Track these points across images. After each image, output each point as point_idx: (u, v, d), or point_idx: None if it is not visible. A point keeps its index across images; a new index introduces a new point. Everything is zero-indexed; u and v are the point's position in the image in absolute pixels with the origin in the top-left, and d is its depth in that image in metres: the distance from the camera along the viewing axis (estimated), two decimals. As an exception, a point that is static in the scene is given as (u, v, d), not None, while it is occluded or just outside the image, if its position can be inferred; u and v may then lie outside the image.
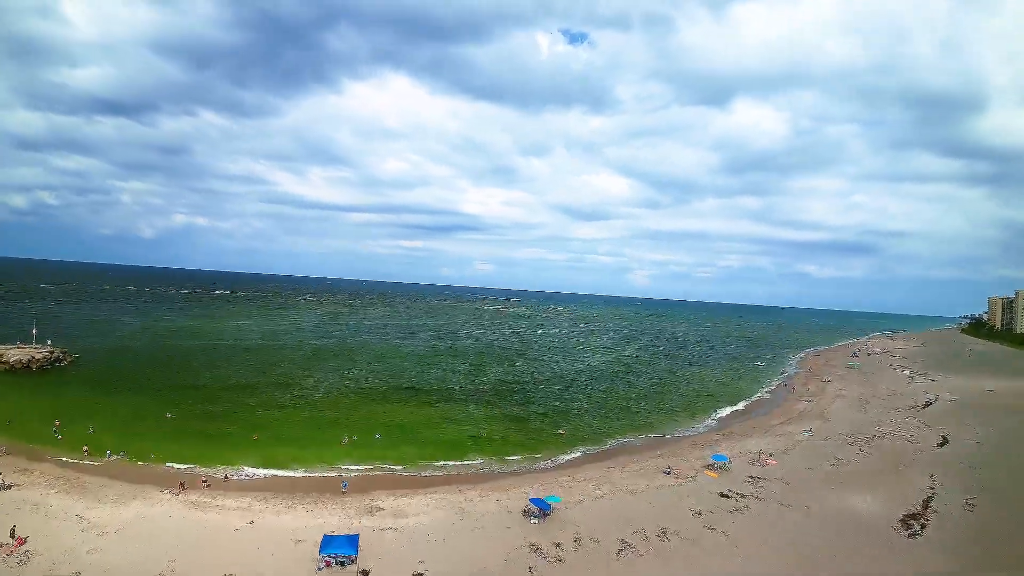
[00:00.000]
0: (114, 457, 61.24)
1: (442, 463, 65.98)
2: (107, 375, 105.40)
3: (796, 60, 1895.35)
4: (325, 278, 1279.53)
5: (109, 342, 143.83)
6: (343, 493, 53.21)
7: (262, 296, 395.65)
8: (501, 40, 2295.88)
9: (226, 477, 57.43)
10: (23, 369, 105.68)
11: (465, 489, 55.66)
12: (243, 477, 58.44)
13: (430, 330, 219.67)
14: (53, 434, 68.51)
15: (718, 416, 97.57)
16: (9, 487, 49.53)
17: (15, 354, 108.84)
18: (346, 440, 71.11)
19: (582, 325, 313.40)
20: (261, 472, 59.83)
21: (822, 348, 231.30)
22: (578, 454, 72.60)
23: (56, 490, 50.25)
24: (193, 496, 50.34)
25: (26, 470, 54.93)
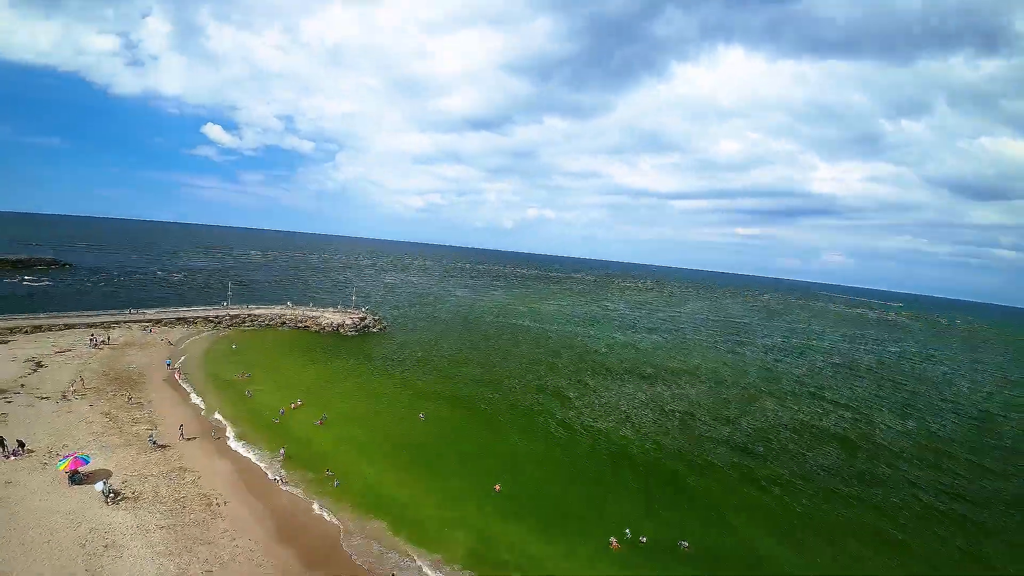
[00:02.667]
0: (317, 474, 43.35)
1: None
2: (395, 348, 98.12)
3: None
4: (652, 265, 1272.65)
5: (426, 312, 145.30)
6: None
7: (586, 281, 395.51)
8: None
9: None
10: (331, 332, 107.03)
11: None
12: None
13: (769, 337, 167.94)
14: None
15: None
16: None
17: (329, 317, 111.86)
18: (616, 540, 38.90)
19: None
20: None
21: None
22: None
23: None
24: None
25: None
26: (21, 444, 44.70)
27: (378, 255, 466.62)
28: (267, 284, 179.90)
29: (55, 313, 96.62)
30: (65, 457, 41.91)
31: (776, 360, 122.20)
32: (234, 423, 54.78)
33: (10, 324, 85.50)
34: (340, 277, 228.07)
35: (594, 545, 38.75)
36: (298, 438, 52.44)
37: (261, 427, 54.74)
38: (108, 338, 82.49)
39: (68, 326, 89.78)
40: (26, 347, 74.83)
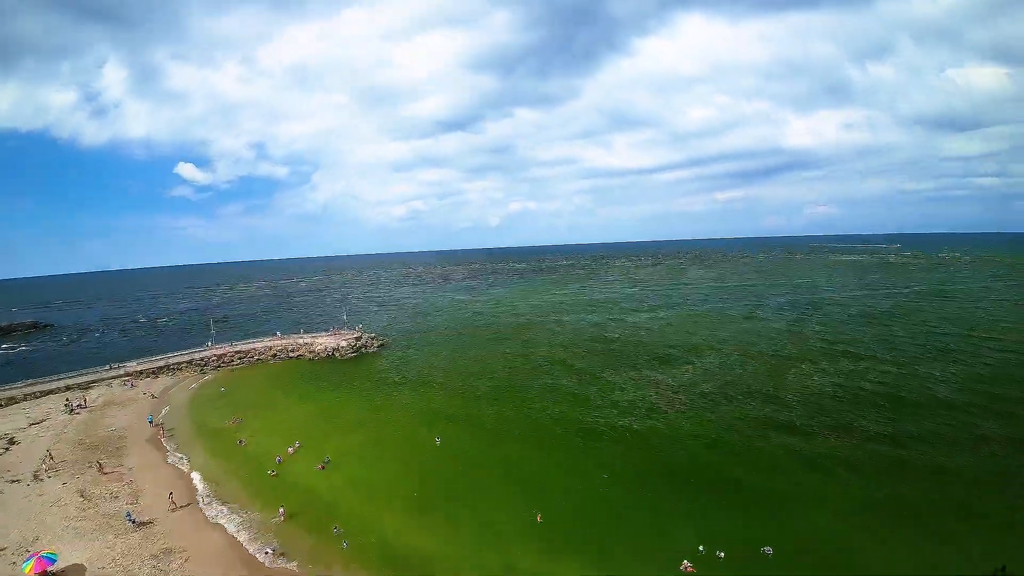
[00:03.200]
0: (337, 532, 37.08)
1: None
2: (396, 367, 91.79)
3: None
4: (641, 242, 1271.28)
5: (425, 323, 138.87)
6: None
7: (579, 266, 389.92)
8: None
9: None
10: (326, 358, 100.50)
11: None
12: None
13: (777, 296, 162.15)
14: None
15: None
16: None
17: (323, 342, 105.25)
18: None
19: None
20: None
21: None
22: None
23: None
24: None
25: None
26: (-20, 546, 38.30)
27: (366, 270, 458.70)
28: (254, 317, 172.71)
29: (32, 380, 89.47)
30: (29, 558, 35.62)
31: (795, 321, 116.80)
32: (224, 482, 48.39)
33: None
34: (329, 299, 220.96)
35: (668, 571, 32.90)
36: (299, 489, 46.19)
37: (256, 482, 48.40)
38: (84, 401, 75.61)
39: (44, 392, 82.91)
40: None
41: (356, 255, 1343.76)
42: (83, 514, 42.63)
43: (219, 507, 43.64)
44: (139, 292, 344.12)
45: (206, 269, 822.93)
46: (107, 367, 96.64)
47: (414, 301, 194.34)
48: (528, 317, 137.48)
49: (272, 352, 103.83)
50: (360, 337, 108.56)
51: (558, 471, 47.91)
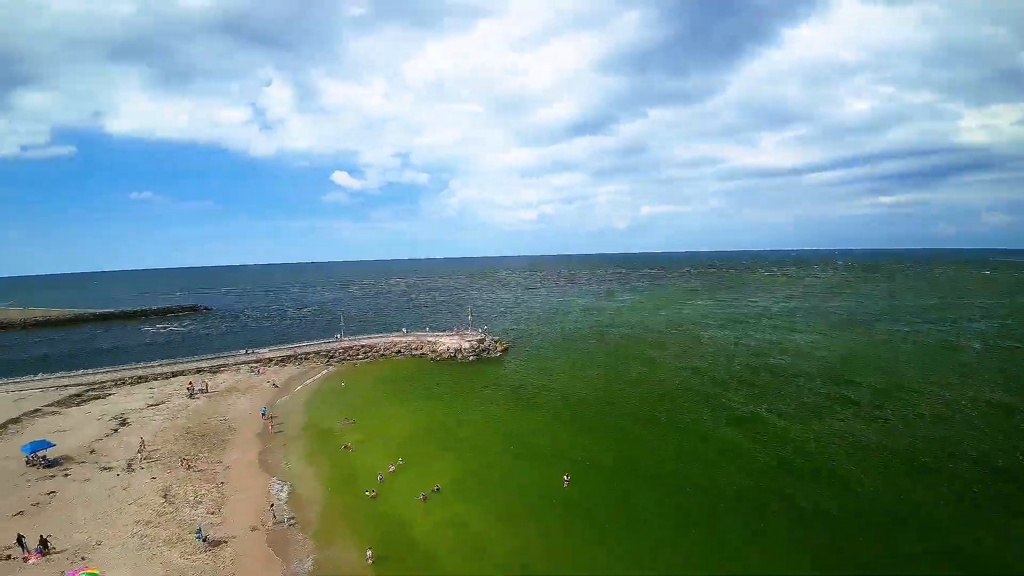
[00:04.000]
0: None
1: None
2: (519, 376, 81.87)
3: None
4: (788, 250, 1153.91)
5: (550, 329, 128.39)
6: None
7: (718, 273, 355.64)
8: None
9: None
10: (448, 359, 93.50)
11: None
12: None
13: (983, 320, 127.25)
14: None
15: None
16: None
17: (446, 343, 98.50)
18: None
19: None
20: None
21: None
22: None
23: None
24: None
25: None
26: (44, 542, 33.76)
27: (494, 272, 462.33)
28: (386, 312, 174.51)
29: (167, 360, 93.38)
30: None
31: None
32: (315, 500, 40.88)
33: (116, 375, 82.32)
34: (457, 299, 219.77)
35: None
36: (393, 522, 37.09)
37: (350, 503, 40.32)
38: (207, 386, 74.91)
39: (175, 373, 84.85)
40: (121, 401, 68.92)
41: (488, 257, 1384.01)
42: (158, 519, 37.13)
43: (300, 535, 35.78)
44: (296, 284, 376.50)
45: (356, 266, 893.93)
46: (242, 351, 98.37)
47: (540, 305, 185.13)
48: (661, 330, 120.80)
49: (396, 348, 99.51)
50: (483, 340, 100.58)
51: (743, 530, 33.75)
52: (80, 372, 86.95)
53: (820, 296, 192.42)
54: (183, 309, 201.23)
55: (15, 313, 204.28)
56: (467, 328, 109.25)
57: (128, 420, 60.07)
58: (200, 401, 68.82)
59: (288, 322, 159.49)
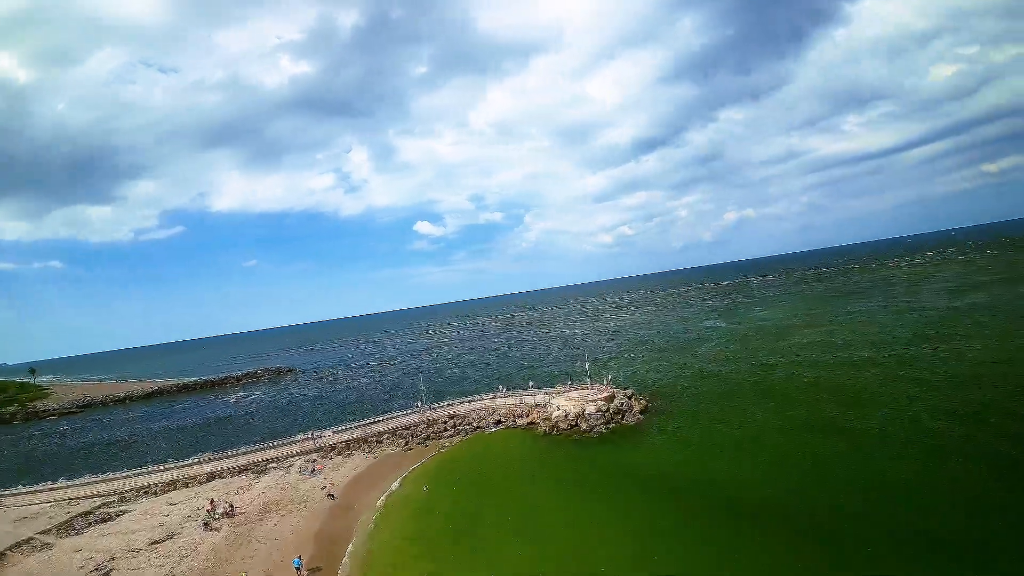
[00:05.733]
0: None
1: None
2: (678, 457, 52.95)
3: None
4: (901, 237, 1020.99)
5: (685, 365, 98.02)
6: None
7: (831, 275, 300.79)
8: None
9: None
10: (567, 430, 65.97)
11: None
12: None
13: None
14: None
15: None
16: None
17: (562, 405, 70.81)
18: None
19: None
20: None
21: None
22: None
23: None
24: None
25: None
26: None
27: (583, 299, 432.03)
28: (474, 361, 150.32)
29: (207, 455, 73.16)
30: None
31: None
32: None
33: (144, 480, 63.38)
34: (554, 334, 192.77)
35: None
36: None
37: None
38: (232, 508, 51.81)
39: (212, 475, 64.05)
40: (125, 527, 48.17)
41: (570, 286, 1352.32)
42: None
43: None
44: (381, 332, 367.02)
45: (438, 309, 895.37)
46: (301, 436, 76.55)
47: (656, 333, 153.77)
48: (842, 363, 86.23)
49: (495, 417, 73.69)
50: (612, 396, 72.39)
51: None
52: (106, 476, 69.89)
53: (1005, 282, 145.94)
54: (268, 372, 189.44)
55: (105, 387, 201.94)
56: (584, 379, 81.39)
57: (113, 570, 37.94)
58: (218, 536, 45.70)
59: (365, 380, 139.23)
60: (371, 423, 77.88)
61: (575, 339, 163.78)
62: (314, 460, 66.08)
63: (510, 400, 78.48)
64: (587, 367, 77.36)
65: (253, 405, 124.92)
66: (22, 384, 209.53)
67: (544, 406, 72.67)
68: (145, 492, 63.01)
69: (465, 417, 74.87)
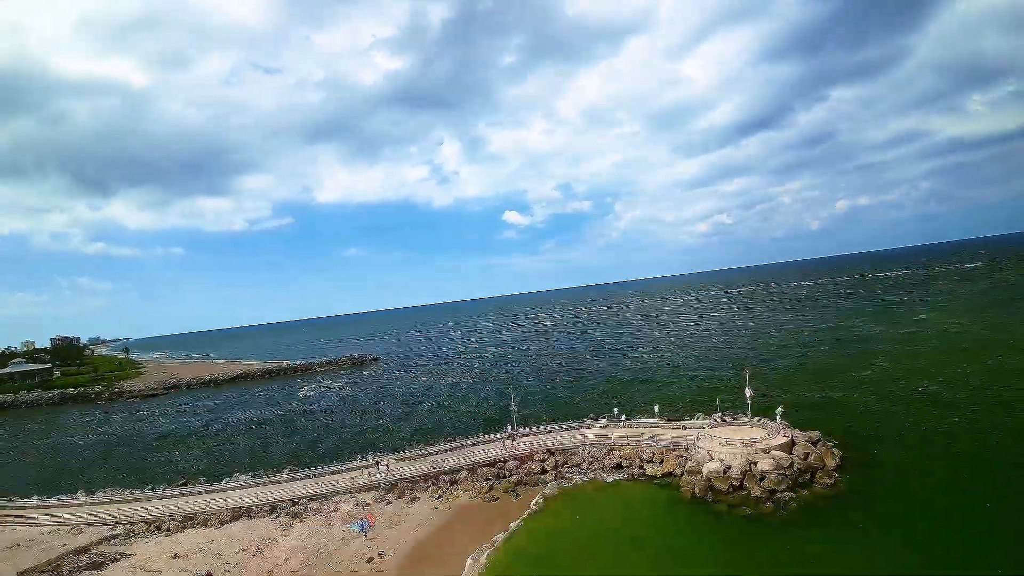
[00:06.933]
0: None
1: None
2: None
3: None
4: None
5: (852, 386, 72.09)
6: None
7: (987, 271, 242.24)
8: None
9: None
10: (734, 492, 43.25)
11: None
12: None
13: None
14: None
15: None
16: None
17: (716, 452, 47.65)
18: None
19: None
20: None
21: None
22: None
23: None
24: None
25: None
26: None
27: (685, 293, 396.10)
28: (573, 364, 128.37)
29: (251, 479, 57.89)
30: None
31: None
32: None
33: (158, 509, 48.91)
34: (659, 335, 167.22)
35: None
36: None
37: None
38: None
39: (239, 513, 48.49)
40: None
41: (665, 276, 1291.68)
42: None
43: None
44: (472, 318, 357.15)
45: (527, 298, 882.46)
46: (359, 462, 59.73)
47: (791, 340, 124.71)
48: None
49: (614, 459, 52.26)
50: (792, 443, 48.51)
51: None
52: (125, 496, 56.85)
53: None
54: (351, 361, 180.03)
55: (199, 368, 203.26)
56: (744, 410, 57.58)
57: None
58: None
59: (447, 381, 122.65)
60: (445, 450, 59.43)
61: (692, 343, 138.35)
62: (367, 506, 48.54)
63: (636, 433, 56.81)
64: (748, 393, 53.50)
65: (323, 401, 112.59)
66: (120, 362, 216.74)
67: (686, 448, 50.38)
68: (156, 528, 48.63)
69: (572, 453, 54.37)
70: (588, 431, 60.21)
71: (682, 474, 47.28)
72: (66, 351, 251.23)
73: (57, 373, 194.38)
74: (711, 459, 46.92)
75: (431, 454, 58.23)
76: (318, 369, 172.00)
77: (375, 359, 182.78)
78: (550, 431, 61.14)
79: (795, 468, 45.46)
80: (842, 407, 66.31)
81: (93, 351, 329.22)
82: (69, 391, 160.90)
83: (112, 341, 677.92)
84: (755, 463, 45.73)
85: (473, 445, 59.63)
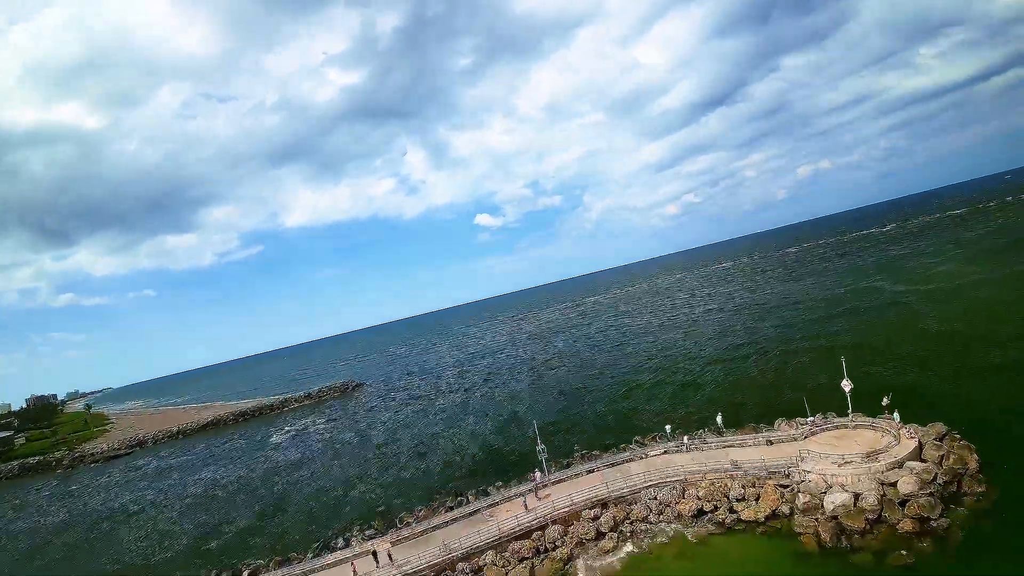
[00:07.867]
0: None
1: None
2: None
3: None
4: (995, 174, 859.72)
5: (963, 359, 60.84)
6: None
7: (972, 216, 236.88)
8: None
9: None
10: (866, 533, 30.73)
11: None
12: None
13: None
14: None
15: None
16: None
17: (830, 477, 35.36)
18: None
19: None
20: None
21: None
22: None
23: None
24: None
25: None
26: None
27: (670, 274, 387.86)
28: (582, 370, 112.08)
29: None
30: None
31: None
32: None
33: None
34: (664, 321, 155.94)
35: None
36: None
37: None
38: None
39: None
40: None
41: (639, 261, 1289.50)
42: None
43: None
44: (458, 326, 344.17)
45: (508, 299, 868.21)
46: (340, 550, 45.92)
47: (811, 310, 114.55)
48: None
49: (692, 504, 39.28)
50: (920, 447, 36.64)
51: None
52: None
53: None
54: (333, 391, 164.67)
55: (167, 417, 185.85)
56: (847, 412, 45.27)
57: None
58: None
59: (443, 404, 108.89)
60: (457, 518, 45.32)
61: (704, 326, 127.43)
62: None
63: (699, 457, 44.26)
64: (846, 387, 40.61)
65: (299, 448, 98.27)
66: (85, 420, 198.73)
67: (786, 475, 38.04)
68: None
69: (629, 503, 41.35)
70: (636, 464, 47.10)
71: (792, 513, 35.05)
72: (39, 411, 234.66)
73: (21, 439, 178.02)
74: (828, 486, 34.78)
75: (438, 527, 44.06)
76: (295, 404, 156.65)
77: (359, 386, 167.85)
78: (591, 470, 47.63)
79: (938, 481, 33.73)
80: (928, 387, 55.06)
81: (63, 409, 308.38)
82: (30, 460, 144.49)
83: (91, 393, 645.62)
84: (891, 484, 33.74)
85: (493, 506, 45.57)
